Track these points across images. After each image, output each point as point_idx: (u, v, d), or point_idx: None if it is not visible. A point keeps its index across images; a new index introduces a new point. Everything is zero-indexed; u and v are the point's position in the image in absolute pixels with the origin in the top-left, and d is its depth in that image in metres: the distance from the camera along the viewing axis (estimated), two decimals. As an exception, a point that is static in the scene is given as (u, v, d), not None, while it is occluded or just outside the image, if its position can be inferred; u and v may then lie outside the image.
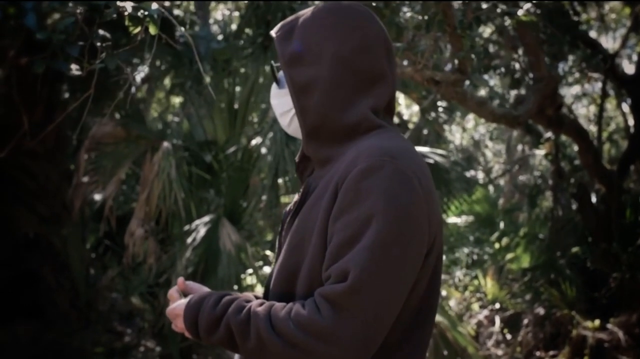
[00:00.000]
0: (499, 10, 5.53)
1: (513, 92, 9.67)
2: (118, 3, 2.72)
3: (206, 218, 7.92)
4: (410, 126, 12.98)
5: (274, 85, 2.35)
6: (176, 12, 10.69)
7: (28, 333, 8.54)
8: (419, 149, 8.79)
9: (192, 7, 12.03)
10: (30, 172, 9.26)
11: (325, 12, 2.24)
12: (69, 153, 9.70)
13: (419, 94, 8.85)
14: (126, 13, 2.71)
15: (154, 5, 2.77)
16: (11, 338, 8.47)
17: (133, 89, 12.20)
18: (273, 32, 2.30)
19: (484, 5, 5.46)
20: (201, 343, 2.26)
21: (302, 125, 2.21)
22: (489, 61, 7.32)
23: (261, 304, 2.07)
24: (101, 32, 2.83)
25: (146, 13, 2.73)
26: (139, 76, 12.99)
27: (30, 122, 8.99)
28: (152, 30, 2.79)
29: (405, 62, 5.19)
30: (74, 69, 2.97)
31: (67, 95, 9.73)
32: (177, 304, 2.24)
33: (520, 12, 5.40)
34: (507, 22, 5.72)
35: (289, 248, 2.16)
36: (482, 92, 10.86)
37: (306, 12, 2.28)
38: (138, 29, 2.75)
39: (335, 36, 2.19)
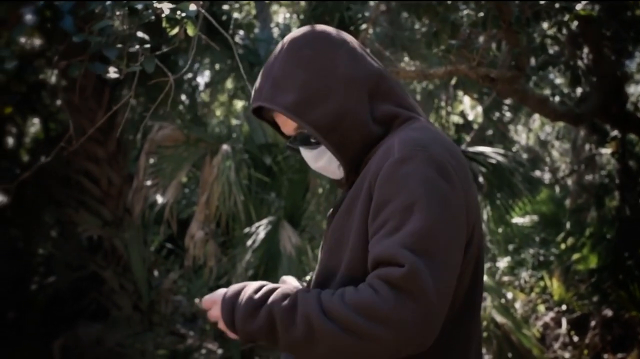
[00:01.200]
0: (557, 6, 5.42)
1: (578, 91, 9.50)
2: (155, 5, 2.70)
3: (266, 220, 7.91)
4: (475, 126, 12.85)
5: (304, 151, 2.25)
6: (236, 15, 10.72)
7: (91, 335, 8.62)
8: (480, 149, 8.68)
9: (253, 10, 12.06)
10: (93, 177, 9.36)
11: (295, 49, 2.18)
12: (132, 157, 9.78)
13: (476, 92, 8.72)
14: (163, 15, 2.69)
15: (192, 7, 2.75)
16: (75, 340, 8.56)
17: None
18: (255, 104, 2.21)
19: (542, 1, 5.36)
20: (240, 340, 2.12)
21: (343, 160, 2.17)
22: (547, 58, 7.19)
23: (307, 291, 2.00)
24: (140, 34, 2.81)
25: (184, 14, 2.71)
26: (201, 80, 13.08)
27: (92, 127, 9.09)
28: (191, 31, 2.77)
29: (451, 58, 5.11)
30: (112, 71, 2.96)
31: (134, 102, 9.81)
32: (216, 292, 2.18)
33: (578, 7, 5.28)
34: (567, 17, 5.60)
35: (327, 250, 2.15)
36: (547, 90, 10.70)
37: (273, 63, 2.20)
38: (175, 31, 2.73)
39: (323, 63, 2.15)
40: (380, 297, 1.86)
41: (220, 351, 9.08)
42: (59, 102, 10.07)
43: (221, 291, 2.16)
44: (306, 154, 2.26)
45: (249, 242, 7.69)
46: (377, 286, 1.88)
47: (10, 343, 8.81)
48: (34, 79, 9.60)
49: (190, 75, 11.91)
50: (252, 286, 2.09)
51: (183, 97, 11.59)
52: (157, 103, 3.35)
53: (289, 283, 2.32)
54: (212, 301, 2.17)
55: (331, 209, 2.26)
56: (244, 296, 2.06)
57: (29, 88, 9.39)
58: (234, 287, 2.12)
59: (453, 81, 8.75)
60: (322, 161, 2.24)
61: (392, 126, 2.15)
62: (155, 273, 9.73)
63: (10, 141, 10.65)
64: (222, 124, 12.97)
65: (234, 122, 13.07)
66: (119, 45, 2.77)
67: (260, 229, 7.81)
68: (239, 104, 13.78)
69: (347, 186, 2.27)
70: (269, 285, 2.08)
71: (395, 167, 1.97)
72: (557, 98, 9.70)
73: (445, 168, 1.99)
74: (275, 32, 11.72)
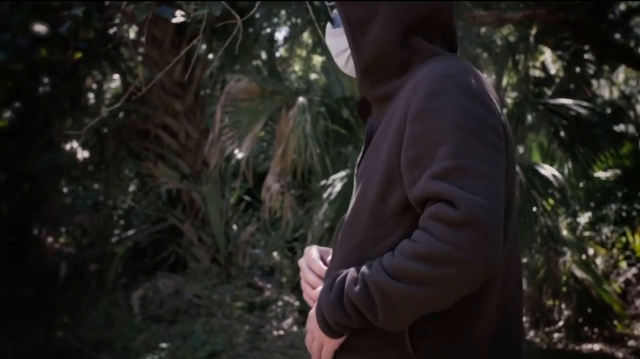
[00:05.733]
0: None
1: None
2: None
3: (343, 173, 7.87)
4: (556, 81, 12.58)
5: (329, 25, 2.28)
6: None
7: (170, 287, 8.74)
8: (561, 101, 8.49)
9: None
10: (171, 130, 9.44)
11: None
12: (209, 111, 9.84)
13: (555, 38, 8.47)
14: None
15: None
16: (154, 291, 8.69)
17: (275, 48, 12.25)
18: None
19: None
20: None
21: (357, 62, 2.14)
22: (634, 5, 6.96)
23: (370, 265, 1.96)
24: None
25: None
26: (280, 34, 13.07)
27: (171, 81, 9.17)
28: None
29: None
30: (179, 15, 2.93)
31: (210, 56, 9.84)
32: (309, 317, 2.15)
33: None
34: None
35: (360, 192, 2.08)
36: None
37: None
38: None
39: None
40: (438, 238, 1.82)
41: (297, 304, 9.12)
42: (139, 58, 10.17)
43: (312, 314, 2.11)
44: (328, 29, 2.28)
45: (325, 195, 7.67)
46: (431, 228, 1.84)
47: (91, 294, 8.98)
48: (114, 35, 9.70)
49: (268, 30, 11.90)
50: (325, 284, 2.05)
51: (262, 53, 11.60)
52: (225, 46, 3.29)
53: (314, 254, 2.25)
54: (310, 319, 2.13)
55: (361, 153, 2.21)
56: (323, 300, 2.02)
57: (108, 42, 9.48)
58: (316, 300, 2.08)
59: (533, 31, 8.55)
60: (332, 40, 2.26)
61: (413, 61, 2.08)
62: (234, 226, 9.80)
63: (91, 96, 10.79)
64: (300, 79, 12.96)
65: (313, 76, 13.05)
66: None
67: (337, 182, 7.78)
68: (317, 59, 13.74)
69: (369, 116, 2.24)
70: (339, 276, 2.02)
71: (426, 101, 1.92)
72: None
73: (479, 93, 1.95)
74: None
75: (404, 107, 1.98)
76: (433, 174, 1.87)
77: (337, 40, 2.24)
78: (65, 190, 10.37)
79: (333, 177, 7.87)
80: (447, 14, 2.15)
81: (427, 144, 1.89)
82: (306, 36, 12.35)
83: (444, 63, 2.02)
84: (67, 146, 9.91)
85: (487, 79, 2.13)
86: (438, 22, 2.13)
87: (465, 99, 1.92)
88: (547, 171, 7.98)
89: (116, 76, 11.03)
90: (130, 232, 10.00)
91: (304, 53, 14.13)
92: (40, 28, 3.40)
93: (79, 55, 5.18)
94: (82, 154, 10.00)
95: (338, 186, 7.73)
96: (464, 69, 2.01)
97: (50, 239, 10.14)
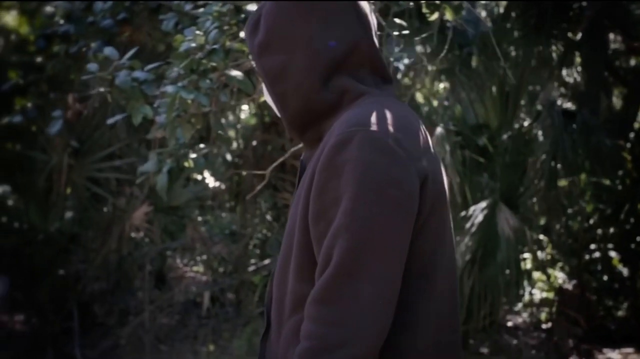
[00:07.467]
0: None
1: None
2: (416, -9, 2.69)
3: (483, 203, 7.83)
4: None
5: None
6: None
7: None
8: None
9: (459, -9, 11.92)
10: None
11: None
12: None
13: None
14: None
15: (455, -9, 2.72)
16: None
17: (398, 76, 12.31)
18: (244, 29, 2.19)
19: None
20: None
21: (282, 114, 2.09)
22: None
23: None
24: (397, 21, 2.81)
25: (441, -1, 2.69)
26: (401, 64, 13.09)
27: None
28: (450, 15, 2.75)
29: None
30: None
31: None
32: None
33: None
34: None
35: (283, 241, 2.04)
36: None
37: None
38: (435, 16, 2.71)
39: (297, 17, 2.05)
40: (315, 332, 1.78)
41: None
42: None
43: None
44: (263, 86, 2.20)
45: (467, 226, 7.64)
46: (305, 319, 1.82)
47: (230, 323, 9.12)
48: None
49: (392, 59, 11.95)
50: None
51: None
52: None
53: None
54: None
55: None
56: None
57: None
58: None
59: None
60: (265, 91, 2.18)
61: (342, 102, 2.03)
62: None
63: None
64: (426, 106, 12.93)
65: (440, 104, 13.00)
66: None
67: (477, 212, 7.74)
68: (440, 86, 13.67)
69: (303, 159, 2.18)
70: None
71: (331, 154, 1.87)
72: None
73: (386, 144, 1.85)
74: (482, 12, 11.55)
75: (319, 154, 1.93)
76: (326, 248, 1.84)
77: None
78: (200, 219, 10.57)
79: (473, 207, 7.83)
80: (367, 46, 2.06)
81: (330, 199, 1.84)
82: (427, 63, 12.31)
83: (364, 107, 1.96)
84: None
85: (417, 122, 2.01)
86: (360, 57, 2.05)
87: (370, 152, 1.84)
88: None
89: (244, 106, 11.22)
90: (266, 261, 10.12)
91: (427, 81, 14.07)
92: (235, 73, 3.57)
93: (262, 98, 5.27)
94: (219, 185, 10.19)
95: (479, 217, 7.69)
96: (382, 114, 1.93)
97: (187, 269, 10.37)
